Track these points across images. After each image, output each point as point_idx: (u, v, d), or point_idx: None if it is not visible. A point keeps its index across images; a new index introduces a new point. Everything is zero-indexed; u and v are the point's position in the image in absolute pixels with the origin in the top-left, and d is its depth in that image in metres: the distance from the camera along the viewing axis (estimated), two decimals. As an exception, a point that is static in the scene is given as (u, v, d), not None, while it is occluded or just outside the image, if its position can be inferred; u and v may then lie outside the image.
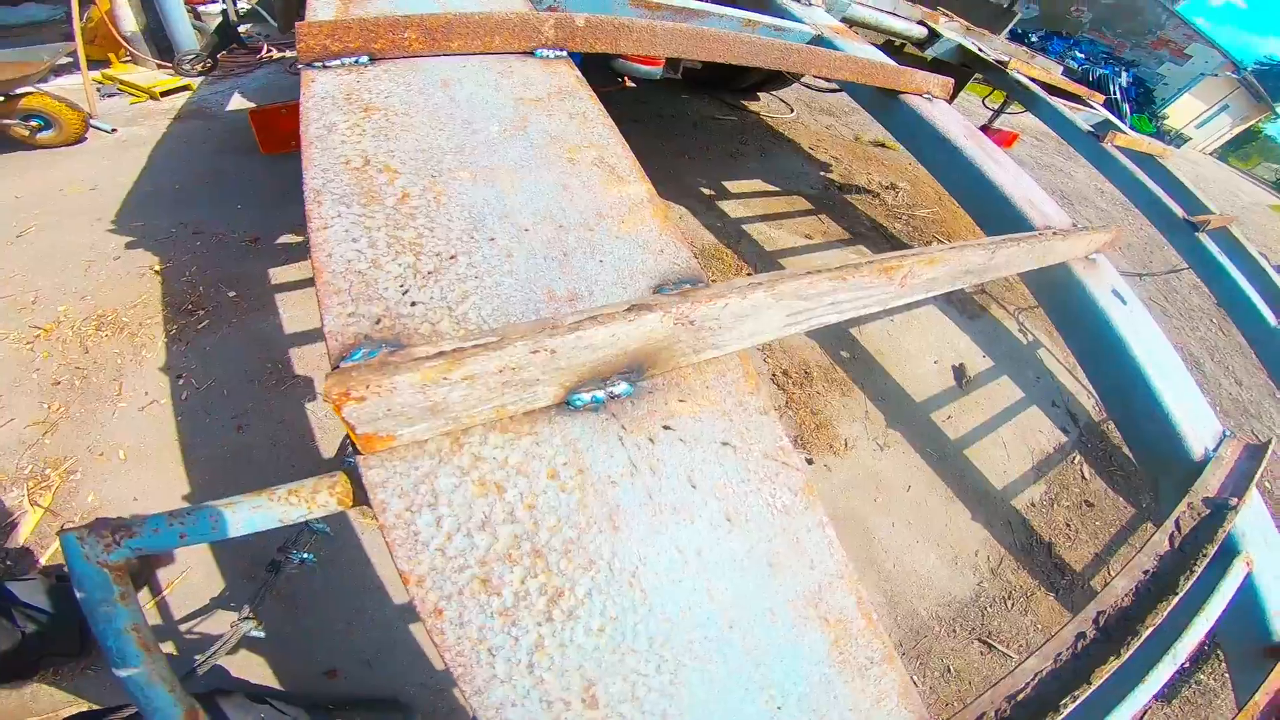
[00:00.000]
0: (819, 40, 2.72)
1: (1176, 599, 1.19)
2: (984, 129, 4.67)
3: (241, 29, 5.14)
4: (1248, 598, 1.46)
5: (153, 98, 4.40)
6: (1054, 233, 1.51)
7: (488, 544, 0.59)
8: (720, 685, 0.60)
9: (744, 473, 0.73)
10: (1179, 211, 3.14)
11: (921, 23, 3.81)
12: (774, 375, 3.52)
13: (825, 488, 3.11)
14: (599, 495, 0.66)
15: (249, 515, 0.59)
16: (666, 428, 0.74)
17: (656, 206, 1.03)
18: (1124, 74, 20.18)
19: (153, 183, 3.44)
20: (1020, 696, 0.95)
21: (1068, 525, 3.57)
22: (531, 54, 1.41)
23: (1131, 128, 4.19)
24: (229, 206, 3.35)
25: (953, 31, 3.92)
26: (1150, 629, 1.12)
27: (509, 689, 0.53)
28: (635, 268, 0.90)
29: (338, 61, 1.15)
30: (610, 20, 1.56)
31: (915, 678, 2.58)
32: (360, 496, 0.59)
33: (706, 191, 4.83)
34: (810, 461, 3.18)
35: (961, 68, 4.23)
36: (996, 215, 1.85)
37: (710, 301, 0.75)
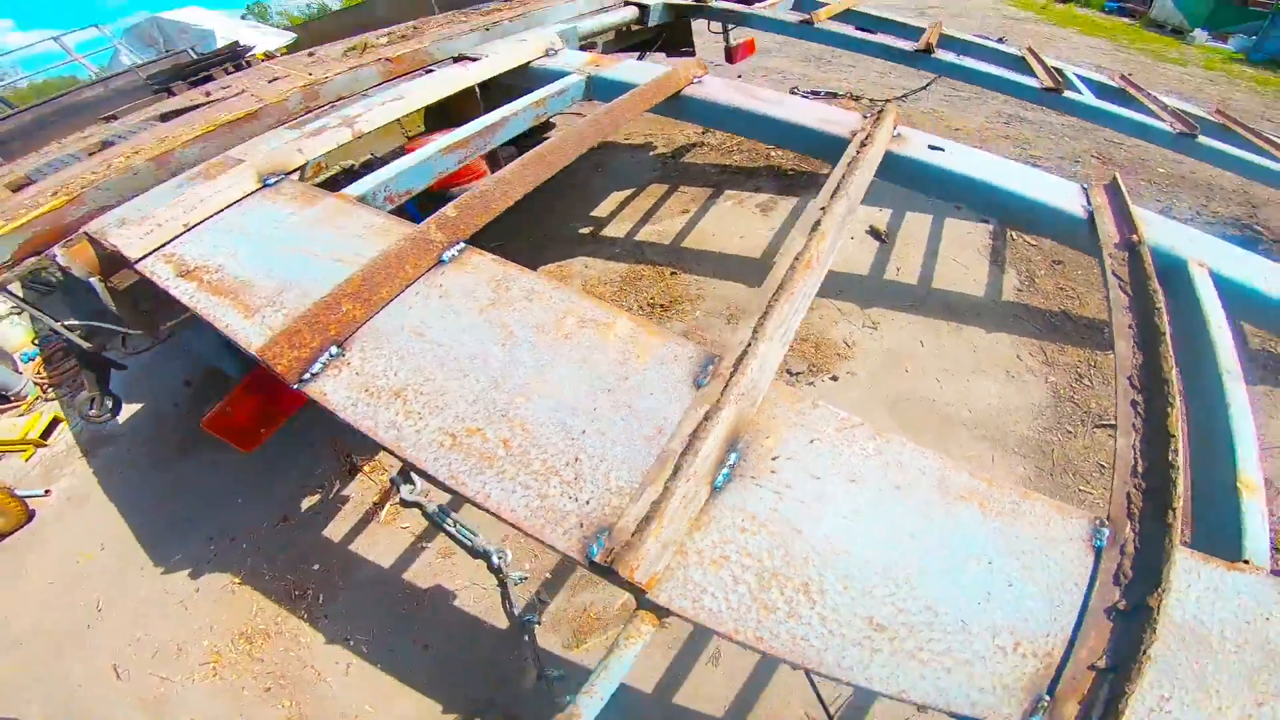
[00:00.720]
0: (591, 81, 3.17)
1: (1167, 332, 1.35)
2: (729, 53, 5.45)
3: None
4: (1235, 288, 1.66)
5: (39, 445, 4.18)
6: (860, 139, 2.03)
7: (746, 588, 1.00)
8: (940, 572, 1.01)
9: (835, 449, 1.17)
10: (905, 45, 3.78)
11: (628, 3, 4.41)
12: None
13: (861, 393, 3.53)
14: (775, 520, 1.08)
15: (617, 668, 0.98)
16: (774, 459, 1.17)
17: (646, 325, 1.45)
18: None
19: (142, 520, 3.53)
20: (1141, 469, 1.09)
21: (1060, 289, 4.12)
22: (441, 261, 1.66)
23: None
24: (230, 506, 3.49)
25: (654, -5, 4.51)
26: (1172, 368, 1.26)
27: (832, 653, 0.93)
28: (672, 379, 1.31)
29: (318, 365, 1.38)
30: (473, 198, 1.88)
31: (1081, 487, 2.96)
32: (661, 614, 1.00)
33: (585, 231, 5.35)
34: (835, 379, 3.63)
35: (680, 20, 5.00)
36: (813, 145, 2.35)
37: (744, 373, 1.19)
